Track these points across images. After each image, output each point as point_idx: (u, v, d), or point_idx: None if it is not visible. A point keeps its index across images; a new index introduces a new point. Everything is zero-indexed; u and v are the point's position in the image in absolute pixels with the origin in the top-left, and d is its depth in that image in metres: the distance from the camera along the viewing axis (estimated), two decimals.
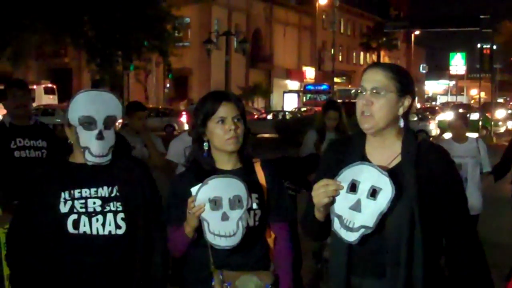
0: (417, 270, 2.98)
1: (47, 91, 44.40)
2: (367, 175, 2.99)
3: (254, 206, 3.51)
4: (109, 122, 3.46)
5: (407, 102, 3.13)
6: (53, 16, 26.18)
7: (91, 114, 3.42)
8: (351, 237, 2.99)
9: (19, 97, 6.17)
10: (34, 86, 44.20)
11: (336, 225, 3.04)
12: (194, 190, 3.37)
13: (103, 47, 30.64)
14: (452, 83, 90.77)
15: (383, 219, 2.97)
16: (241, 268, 3.49)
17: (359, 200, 2.98)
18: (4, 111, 6.25)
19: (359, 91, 3.16)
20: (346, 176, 3.02)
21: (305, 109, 50.02)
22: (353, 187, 3.00)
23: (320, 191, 2.99)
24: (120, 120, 3.72)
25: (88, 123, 3.41)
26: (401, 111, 3.12)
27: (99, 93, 3.55)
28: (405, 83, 3.13)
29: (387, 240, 3.03)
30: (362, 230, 2.97)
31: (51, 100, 42.45)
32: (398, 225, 3.00)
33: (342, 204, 3.01)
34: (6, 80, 7.15)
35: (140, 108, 7.95)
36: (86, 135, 3.41)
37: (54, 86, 43.82)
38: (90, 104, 3.45)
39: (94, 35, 30.16)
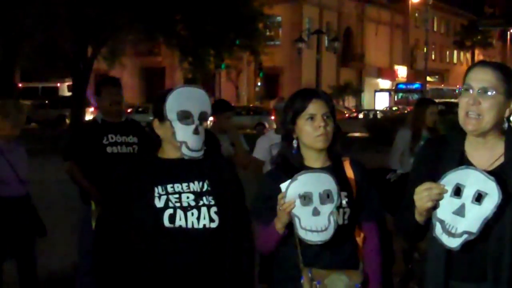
0: None
1: (70, 88, 45.64)
2: (473, 180, 2.91)
3: (343, 204, 3.49)
4: (203, 117, 3.50)
5: None
6: (147, 15, 26.60)
7: (188, 109, 3.45)
8: (453, 243, 2.93)
9: (113, 94, 6.30)
10: (57, 84, 45.52)
11: (438, 230, 2.97)
12: (283, 186, 3.38)
13: (195, 46, 30.97)
14: None
15: (488, 225, 2.89)
16: (330, 267, 3.47)
17: (463, 204, 2.91)
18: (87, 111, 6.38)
19: (463, 89, 3.07)
20: (450, 179, 2.94)
21: (396, 108, 49.64)
22: (457, 191, 2.92)
23: (423, 195, 2.93)
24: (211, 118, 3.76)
25: (186, 117, 3.44)
26: (507, 113, 3.05)
27: (194, 89, 3.57)
28: None
29: (490, 246, 2.96)
30: (465, 236, 2.90)
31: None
32: (500, 231, 2.93)
33: (446, 209, 2.95)
34: (102, 78, 7.29)
35: (228, 107, 8.02)
36: (184, 129, 3.44)
37: None
38: (187, 99, 3.48)
39: (187, 34, 30.53)
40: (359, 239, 3.61)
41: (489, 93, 2.99)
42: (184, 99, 3.49)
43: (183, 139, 3.45)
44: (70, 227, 6.63)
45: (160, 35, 30.72)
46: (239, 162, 7.36)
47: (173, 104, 3.46)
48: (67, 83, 45.57)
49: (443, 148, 3.17)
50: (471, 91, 3.03)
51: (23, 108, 6.45)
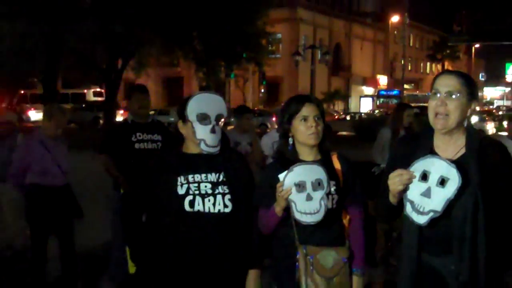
0: (480, 247, 2.94)
1: (96, 94, 46.11)
2: (437, 167, 2.96)
3: (332, 191, 3.51)
4: (219, 118, 3.56)
5: (473, 105, 3.09)
6: (168, 33, 26.59)
7: (206, 111, 3.52)
8: (421, 220, 2.98)
9: (141, 99, 6.31)
10: (85, 91, 45.52)
11: (408, 209, 3.03)
12: (281, 176, 3.40)
13: (209, 59, 30.97)
14: (508, 89, 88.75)
15: (450, 204, 2.94)
16: (321, 244, 3.48)
17: (429, 187, 2.96)
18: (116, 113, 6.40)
19: (432, 93, 3.11)
20: (418, 167, 3.00)
21: (378, 111, 49.59)
22: (424, 177, 2.98)
23: (396, 180, 3.00)
24: (222, 120, 3.80)
25: (204, 119, 3.51)
26: (469, 112, 3.08)
27: (211, 95, 3.63)
28: (473, 89, 3.09)
29: (454, 222, 2.98)
30: (431, 214, 2.96)
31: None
32: (464, 209, 2.96)
33: (414, 191, 3.01)
34: (130, 85, 7.32)
35: (248, 110, 8.07)
36: (202, 129, 3.51)
37: (103, 91, 45.13)
38: (205, 103, 3.55)
39: (202, 48, 30.50)
40: (345, 221, 3.62)
41: (454, 96, 3.03)
42: (203, 103, 3.54)
43: (202, 137, 3.51)
44: (103, 210, 6.64)
45: (179, 50, 30.66)
46: (255, 159, 7.38)
47: (193, 107, 3.52)
48: (92, 90, 45.77)
49: (415, 143, 3.21)
50: (438, 94, 3.07)
51: (65, 111, 6.49)
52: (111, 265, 6.50)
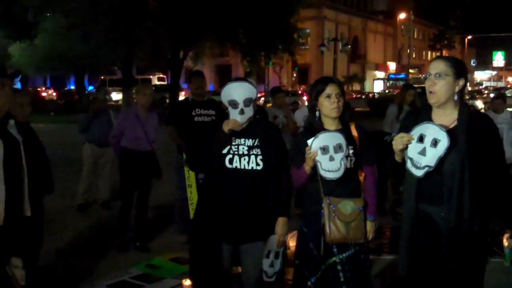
0: (465, 199, 2.92)
1: (159, 79, 45.57)
2: (431, 130, 2.97)
3: (350, 153, 3.51)
4: (247, 101, 3.58)
5: (461, 82, 3.05)
6: (220, 29, 26.55)
7: (234, 98, 3.58)
8: (419, 173, 3.00)
9: (198, 82, 6.34)
10: (150, 76, 45.18)
11: (409, 164, 3.05)
12: (309, 141, 3.42)
13: (252, 50, 30.83)
14: (494, 73, 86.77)
15: (442, 161, 2.94)
16: (342, 196, 3.49)
17: (424, 147, 2.97)
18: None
19: (427, 76, 3.11)
20: (416, 131, 3.02)
21: (388, 91, 48.83)
22: (420, 139, 2.99)
23: (398, 141, 3.04)
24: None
25: (233, 104, 3.58)
26: (457, 89, 3.05)
27: (238, 83, 3.67)
28: (459, 69, 3.05)
29: (445, 178, 2.97)
30: (426, 168, 2.97)
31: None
32: (453, 168, 2.94)
33: (413, 150, 3.02)
34: (190, 71, 7.36)
35: (280, 90, 8.07)
36: (233, 112, 3.59)
37: (164, 76, 44.69)
38: (233, 91, 3.60)
39: (246, 41, 30.37)
40: (361, 178, 3.62)
41: (441, 76, 3.03)
42: (231, 91, 3.61)
43: (232, 117, 3.59)
44: (168, 171, 6.71)
45: (228, 43, 30.56)
46: (289, 129, 7.41)
47: (225, 96, 3.62)
48: (157, 76, 45.77)
49: (417, 116, 3.19)
50: (430, 76, 3.08)
51: (151, 88, 6.54)
52: (176, 213, 6.60)
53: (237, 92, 3.60)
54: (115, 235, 6.33)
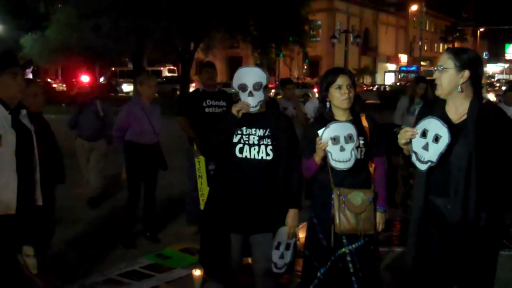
0: (471, 193, 2.91)
1: (169, 71, 45.74)
2: (433, 126, 2.97)
3: (361, 144, 3.50)
4: (256, 86, 3.60)
5: (466, 74, 3.00)
6: (230, 21, 26.52)
7: (244, 81, 3.61)
8: (422, 167, 3.02)
9: (209, 72, 6.32)
10: (161, 68, 45.13)
11: (413, 158, 3.07)
12: (320, 132, 3.42)
13: (262, 42, 30.77)
14: (507, 65, 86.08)
15: (445, 157, 2.94)
16: (352, 186, 3.49)
17: (427, 143, 2.98)
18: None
19: (436, 69, 3.12)
20: (420, 126, 3.04)
21: (399, 83, 48.57)
22: (424, 134, 3.01)
23: (402, 135, 3.08)
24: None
25: (243, 88, 3.60)
26: (461, 81, 3.01)
27: (249, 68, 3.72)
28: (463, 61, 3.01)
29: (451, 172, 2.96)
30: (429, 163, 2.98)
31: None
32: (459, 160, 2.93)
33: (417, 144, 3.04)
34: (201, 63, 7.32)
35: (289, 82, 8.06)
36: (243, 95, 3.62)
37: (175, 68, 44.81)
38: (243, 76, 3.63)
39: (257, 33, 30.31)
40: (371, 169, 3.61)
41: (444, 69, 3.04)
42: (241, 75, 3.64)
43: (243, 101, 3.61)
44: (179, 161, 6.73)
45: (239, 34, 30.51)
46: (300, 120, 7.42)
47: (235, 80, 3.64)
48: (167, 67, 45.78)
49: (432, 108, 3.18)
50: (436, 69, 3.10)
51: (154, 78, 6.42)
52: (187, 203, 6.61)
53: (247, 76, 3.62)
54: (122, 227, 6.32)
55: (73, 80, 34.86)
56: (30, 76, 37.51)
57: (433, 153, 2.95)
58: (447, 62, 3.04)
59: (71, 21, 25.02)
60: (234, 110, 3.55)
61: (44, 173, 3.74)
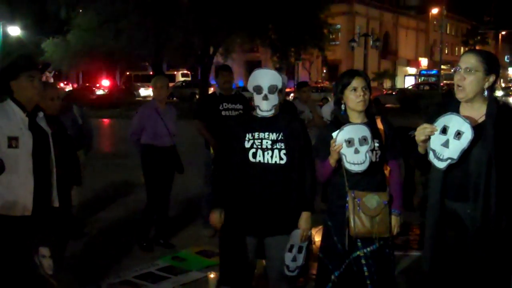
0: (492, 198, 2.85)
1: (183, 75, 45.69)
2: (455, 122, 2.91)
3: (376, 147, 3.47)
4: (272, 88, 3.58)
5: (491, 78, 2.97)
6: (250, 25, 26.61)
7: (259, 83, 3.59)
8: (441, 165, 2.95)
9: (225, 76, 6.33)
10: (175, 72, 44.96)
11: (431, 156, 3.00)
12: (334, 134, 3.40)
13: (281, 46, 30.82)
14: None
15: (466, 154, 2.88)
16: (367, 189, 3.46)
17: (448, 139, 2.92)
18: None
19: (456, 69, 3.03)
20: (440, 122, 2.97)
21: (418, 87, 48.13)
22: (444, 130, 2.94)
23: (421, 132, 3.00)
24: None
25: (258, 90, 3.59)
26: (486, 85, 2.97)
27: (265, 70, 3.72)
28: (491, 65, 2.96)
29: (471, 175, 2.90)
30: (449, 160, 2.92)
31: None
32: (478, 163, 2.87)
33: (436, 142, 2.97)
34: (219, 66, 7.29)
35: (305, 85, 8.05)
36: (257, 97, 3.60)
37: (189, 72, 45.00)
38: (259, 78, 3.62)
39: (276, 37, 30.35)
40: (386, 172, 3.58)
41: (471, 71, 2.94)
42: (257, 77, 3.64)
43: (257, 104, 3.62)
44: (195, 165, 6.73)
45: (258, 38, 30.61)
46: (316, 123, 7.39)
47: (251, 82, 3.63)
48: (181, 72, 45.89)
49: (445, 109, 3.10)
50: (460, 70, 2.99)
51: (166, 80, 6.32)
52: (203, 207, 6.61)
53: (263, 78, 3.62)
54: (139, 229, 6.29)
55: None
56: (51, 80, 37.93)
57: (454, 150, 2.89)
58: (477, 65, 2.95)
59: (92, 26, 25.31)
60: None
61: (61, 175, 3.77)
